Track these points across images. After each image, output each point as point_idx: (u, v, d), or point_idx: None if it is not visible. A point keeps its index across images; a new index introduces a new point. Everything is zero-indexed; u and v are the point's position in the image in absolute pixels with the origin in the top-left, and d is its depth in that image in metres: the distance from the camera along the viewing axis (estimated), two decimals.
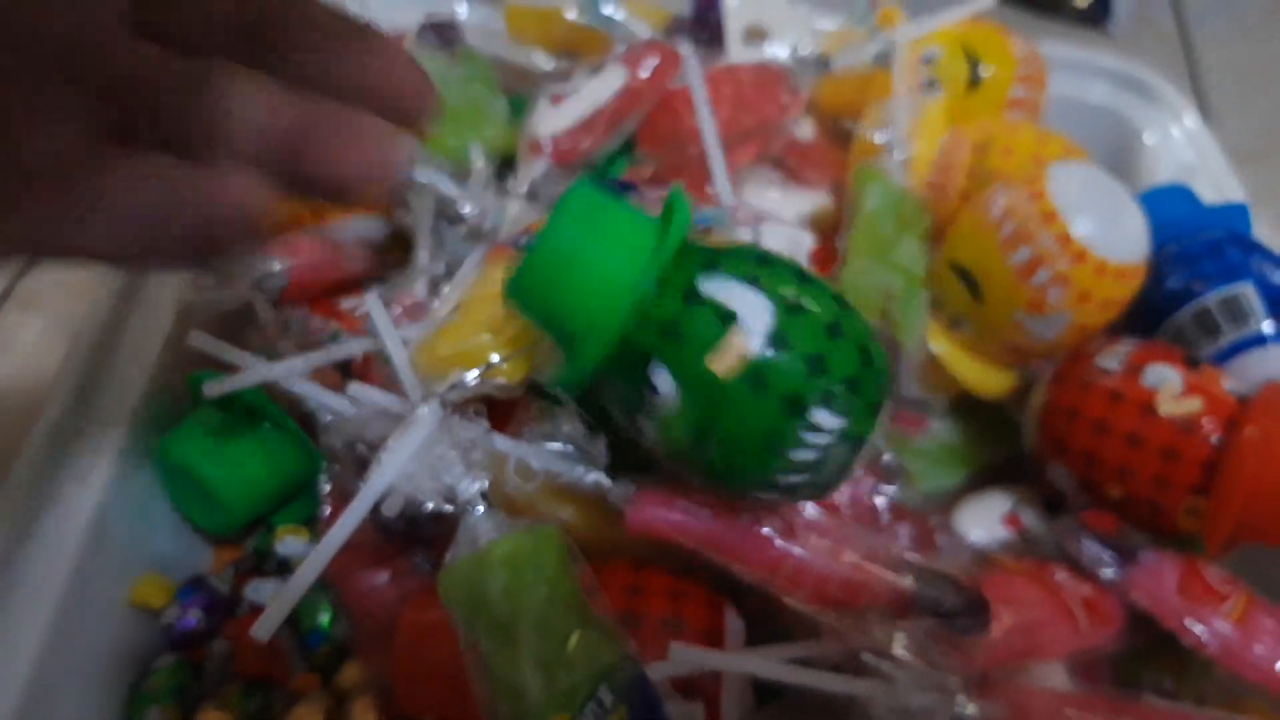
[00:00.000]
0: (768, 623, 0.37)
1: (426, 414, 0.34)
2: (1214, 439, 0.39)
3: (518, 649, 0.30)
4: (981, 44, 0.54)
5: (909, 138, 0.50)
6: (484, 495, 0.34)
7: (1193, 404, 0.40)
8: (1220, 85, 0.64)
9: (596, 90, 0.47)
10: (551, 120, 0.47)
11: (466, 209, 0.45)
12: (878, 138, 0.48)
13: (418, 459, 0.34)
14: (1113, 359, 0.43)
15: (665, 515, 0.34)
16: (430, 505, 0.34)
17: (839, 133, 0.54)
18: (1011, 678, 0.35)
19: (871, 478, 0.40)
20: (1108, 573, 0.39)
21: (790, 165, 0.53)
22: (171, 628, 0.42)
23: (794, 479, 0.31)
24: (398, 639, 0.37)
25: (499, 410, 0.39)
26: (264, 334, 0.41)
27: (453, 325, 0.36)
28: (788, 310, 0.31)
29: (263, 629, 0.29)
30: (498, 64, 0.56)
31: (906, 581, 0.34)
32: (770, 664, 0.33)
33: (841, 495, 0.39)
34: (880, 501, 0.39)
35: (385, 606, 0.41)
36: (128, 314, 0.44)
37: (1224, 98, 0.73)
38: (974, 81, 0.54)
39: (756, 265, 0.32)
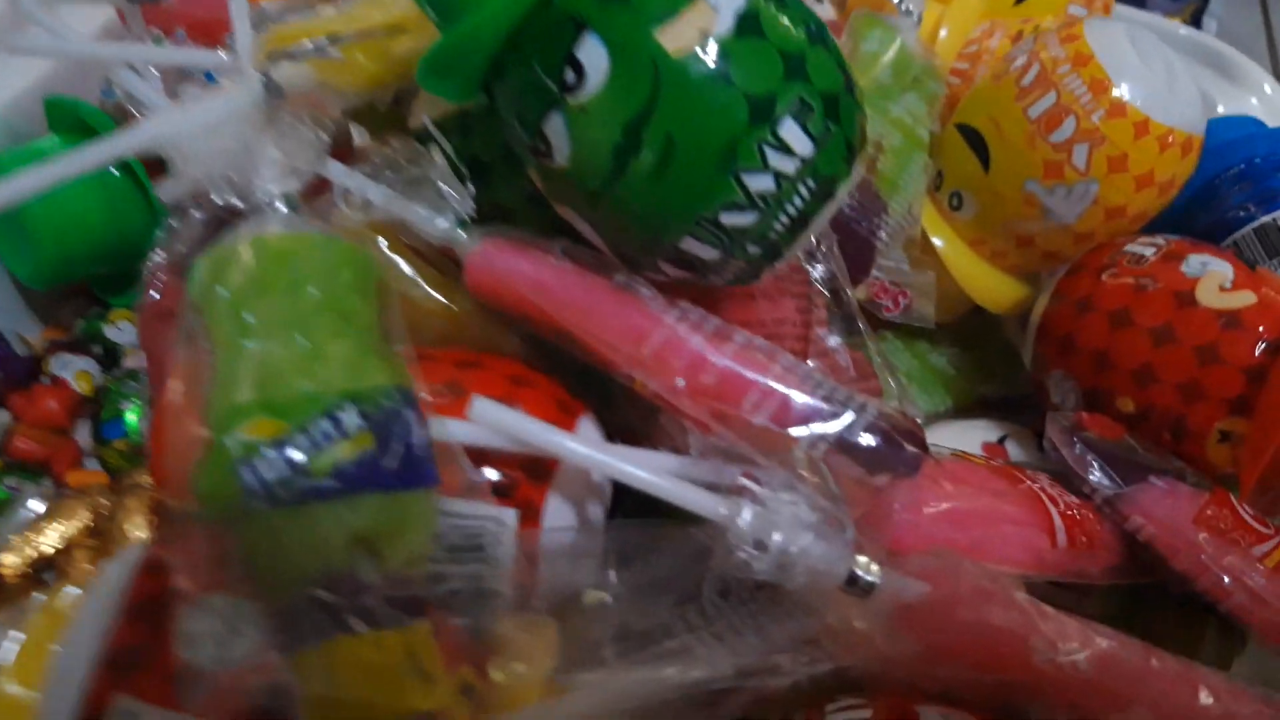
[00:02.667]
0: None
1: (243, 83, 0.27)
2: (1265, 343, 0.30)
3: (246, 338, 0.22)
4: None
5: (932, 22, 0.43)
6: (289, 201, 0.27)
7: (1245, 297, 0.31)
8: None
9: None
10: None
11: None
12: None
13: (222, 137, 0.26)
14: (1147, 246, 0.34)
15: (515, 264, 0.26)
16: (218, 198, 0.26)
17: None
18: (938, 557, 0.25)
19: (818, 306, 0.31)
20: (1105, 486, 0.30)
21: None
22: None
23: (740, 220, 0.24)
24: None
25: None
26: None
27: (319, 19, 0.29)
28: None
29: None
30: None
31: (811, 391, 0.25)
32: (606, 458, 0.24)
33: (768, 311, 0.30)
34: (821, 333, 0.30)
35: None
36: None
37: None
38: None
39: None
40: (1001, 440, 0.36)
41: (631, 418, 0.29)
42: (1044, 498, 0.29)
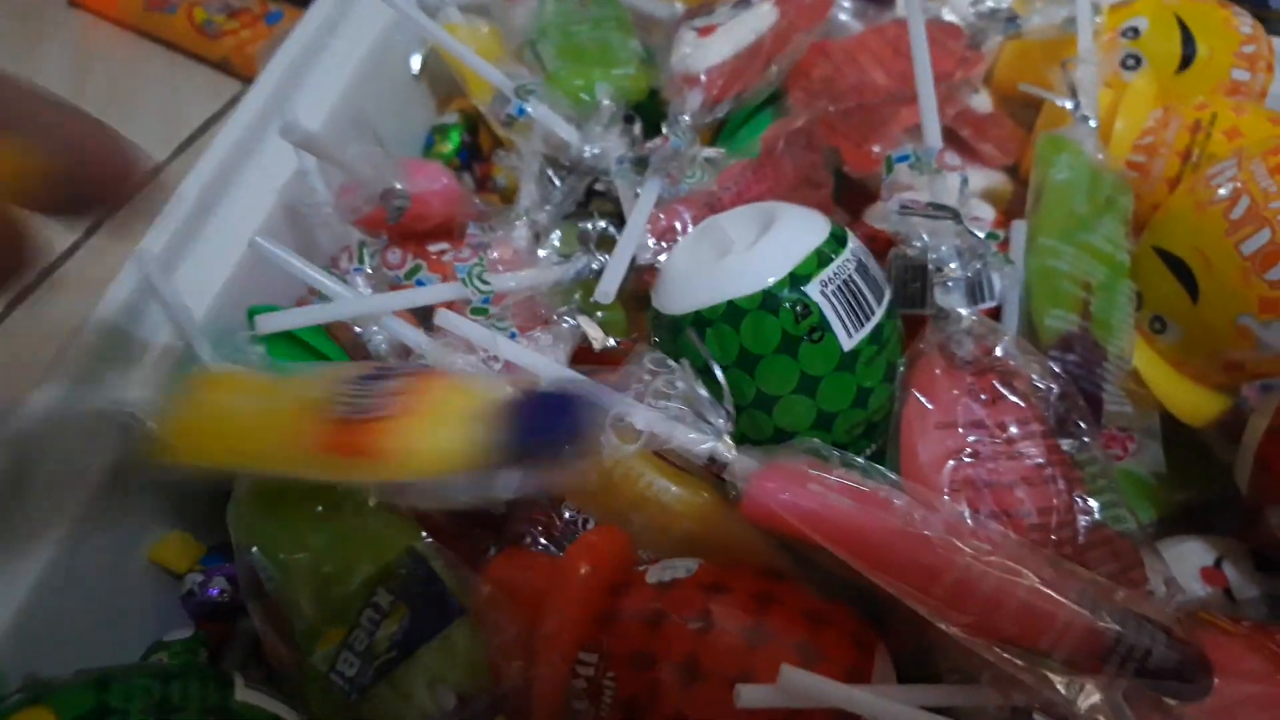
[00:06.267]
0: (918, 670, 0.30)
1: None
2: None
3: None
4: (1197, 16, 0.46)
5: (1106, 108, 0.42)
6: None
7: None
8: None
9: (748, 24, 0.41)
10: (703, 53, 0.41)
11: (585, 151, 0.39)
12: (1067, 104, 0.40)
13: None
14: None
15: (795, 499, 0.27)
16: None
17: (1021, 108, 0.46)
18: None
19: (1076, 484, 0.32)
20: None
21: (963, 138, 0.45)
22: (192, 596, 0.36)
23: None
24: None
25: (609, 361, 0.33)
26: (334, 262, 0.36)
27: None
28: None
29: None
30: (637, 15, 0.50)
31: (1106, 622, 0.26)
32: (910, 710, 0.25)
33: (1031, 499, 0.31)
34: (1084, 521, 0.31)
35: None
36: (193, 241, 0.39)
37: None
38: (1186, 60, 0.46)
39: None
40: (1218, 563, 0.37)
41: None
42: None
